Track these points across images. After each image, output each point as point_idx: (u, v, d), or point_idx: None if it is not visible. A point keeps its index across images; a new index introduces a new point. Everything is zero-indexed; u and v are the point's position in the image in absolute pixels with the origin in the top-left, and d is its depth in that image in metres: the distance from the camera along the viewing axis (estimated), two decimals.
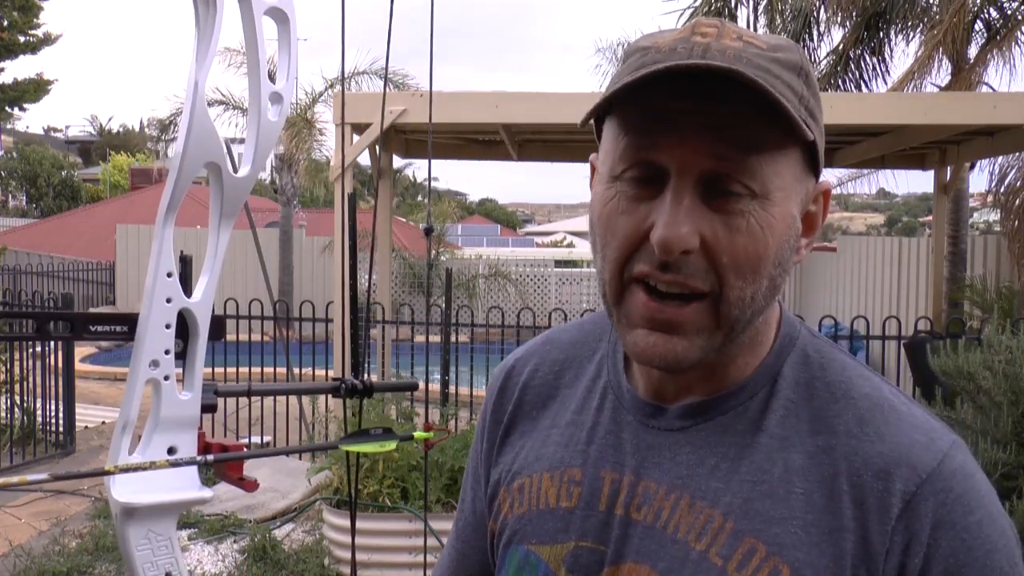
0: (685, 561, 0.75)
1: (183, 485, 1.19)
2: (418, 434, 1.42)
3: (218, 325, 1.25)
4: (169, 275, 1.18)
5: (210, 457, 1.16)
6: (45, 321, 1.20)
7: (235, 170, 1.23)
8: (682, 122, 0.71)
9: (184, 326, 1.22)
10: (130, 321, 1.20)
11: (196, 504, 1.22)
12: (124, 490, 1.15)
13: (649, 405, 0.83)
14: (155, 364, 1.18)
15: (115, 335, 1.21)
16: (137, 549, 1.14)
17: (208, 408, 1.24)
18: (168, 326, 1.19)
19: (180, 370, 1.25)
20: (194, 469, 1.20)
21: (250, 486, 1.30)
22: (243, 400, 6.76)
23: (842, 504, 0.72)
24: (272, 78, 1.29)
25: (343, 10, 1.88)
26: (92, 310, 17.40)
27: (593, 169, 0.84)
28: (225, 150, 1.22)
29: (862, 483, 0.73)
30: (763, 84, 0.68)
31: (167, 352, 1.19)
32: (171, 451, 1.20)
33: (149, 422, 1.20)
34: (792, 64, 0.73)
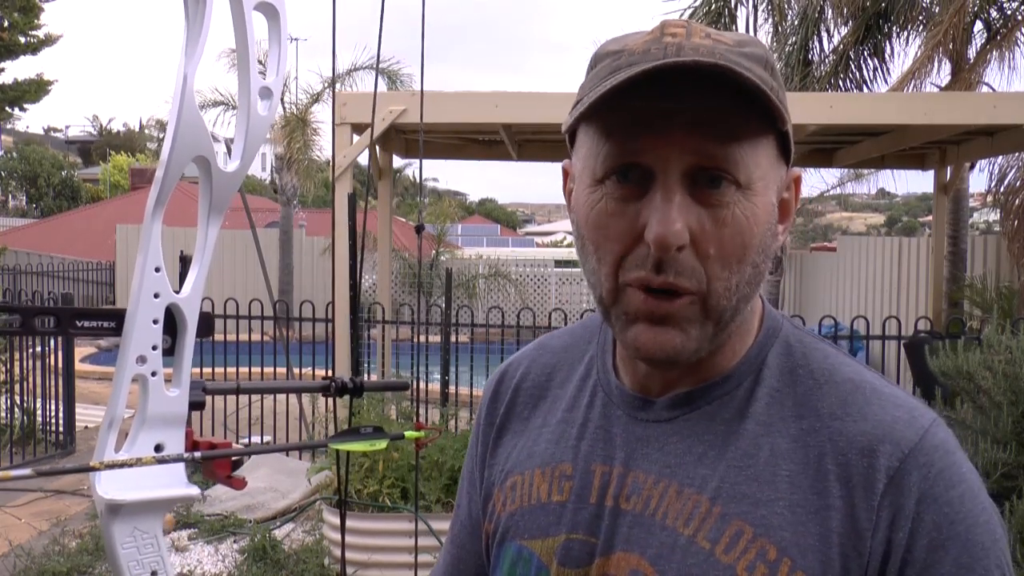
0: (674, 547, 0.77)
1: (170, 482, 1.18)
2: (409, 433, 1.41)
3: (206, 322, 1.24)
4: (157, 270, 1.17)
5: (198, 454, 1.16)
6: (31, 316, 1.19)
7: (224, 164, 1.23)
8: (663, 121, 0.72)
9: (172, 322, 1.21)
10: (118, 316, 1.19)
11: (183, 501, 1.21)
12: (109, 487, 1.14)
13: (638, 399, 0.84)
14: (142, 360, 1.17)
15: (102, 331, 1.20)
16: (122, 547, 1.13)
17: (196, 405, 1.23)
18: (156, 321, 1.18)
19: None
20: (181, 466, 1.19)
21: (238, 484, 1.29)
22: (243, 400, 6.75)
23: (828, 483, 0.74)
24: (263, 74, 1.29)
25: (334, 6, 1.89)
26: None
27: (566, 175, 0.85)
28: (213, 145, 1.21)
29: (847, 461, 0.74)
30: (751, 78, 0.69)
31: (154, 348, 1.18)
32: (158, 448, 1.18)
33: (136, 419, 1.19)
34: (759, 58, 0.75)
